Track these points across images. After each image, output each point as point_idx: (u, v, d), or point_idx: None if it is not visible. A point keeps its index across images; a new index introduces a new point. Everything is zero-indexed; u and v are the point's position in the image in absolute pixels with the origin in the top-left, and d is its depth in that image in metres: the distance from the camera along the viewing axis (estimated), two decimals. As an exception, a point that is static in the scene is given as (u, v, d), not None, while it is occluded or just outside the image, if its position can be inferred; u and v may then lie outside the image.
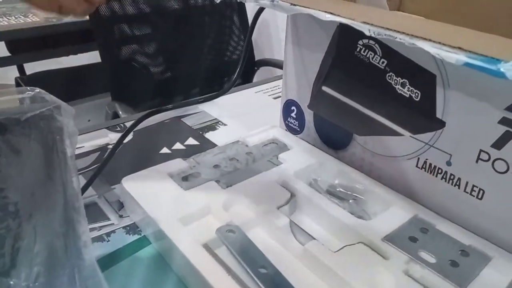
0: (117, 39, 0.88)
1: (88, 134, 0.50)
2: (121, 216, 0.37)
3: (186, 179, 0.37)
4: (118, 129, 0.52)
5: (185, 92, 0.97)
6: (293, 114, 0.46)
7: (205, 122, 0.53)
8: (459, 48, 0.20)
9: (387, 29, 0.24)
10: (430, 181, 0.33)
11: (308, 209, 0.34)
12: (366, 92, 0.36)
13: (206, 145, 0.48)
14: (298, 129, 0.45)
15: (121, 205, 0.38)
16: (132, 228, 0.36)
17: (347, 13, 0.28)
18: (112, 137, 0.50)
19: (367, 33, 0.25)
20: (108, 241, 0.34)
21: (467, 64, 0.20)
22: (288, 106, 0.46)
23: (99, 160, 0.45)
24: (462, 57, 0.20)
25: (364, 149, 0.38)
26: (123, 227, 0.36)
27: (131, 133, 0.50)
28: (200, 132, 0.51)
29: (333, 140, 0.42)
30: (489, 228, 0.31)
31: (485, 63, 0.19)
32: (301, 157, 0.40)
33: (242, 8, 1.06)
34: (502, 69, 0.19)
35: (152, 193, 0.35)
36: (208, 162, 0.39)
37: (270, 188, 0.36)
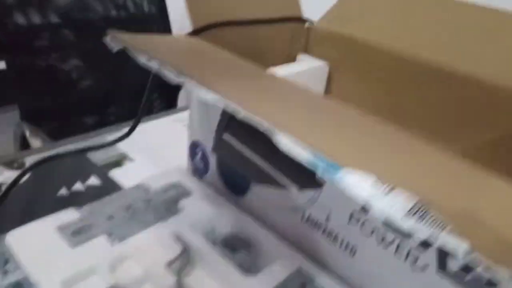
0: (26, 52, 0.83)
1: (-21, 172, 0.47)
2: (5, 273, 0.35)
3: (77, 233, 0.36)
4: (16, 165, 0.49)
5: (99, 112, 0.93)
6: (198, 156, 0.46)
7: (111, 157, 0.52)
8: (308, 144, 0.22)
9: (255, 115, 0.25)
10: (314, 235, 0.36)
11: (200, 263, 0.35)
12: (260, 145, 0.38)
13: (108, 185, 0.47)
14: (204, 172, 0.46)
15: (6, 260, 0.36)
16: (17, 286, 0.34)
17: (228, 89, 0.29)
18: (7, 176, 0.47)
19: (239, 115, 0.26)
20: (-14, 304, 0.32)
21: (309, 164, 0.22)
22: (194, 147, 0.46)
23: (-12, 204, 0.42)
24: (306, 157, 0.22)
25: (259, 197, 0.40)
26: (6, 286, 0.34)
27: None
28: (104, 170, 0.49)
29: (234, 184, 0.43)
30: (362, 284, 0.33)
31: (324, 171, 0.21)
32: (200, 205, 0.41)
33: (167, 24, 1.04)
34: (337, 176, 0.20)
35: (37, 251, 0.33)
36: (102, 212, 0.38)
37: (163, 242, 0.36)
